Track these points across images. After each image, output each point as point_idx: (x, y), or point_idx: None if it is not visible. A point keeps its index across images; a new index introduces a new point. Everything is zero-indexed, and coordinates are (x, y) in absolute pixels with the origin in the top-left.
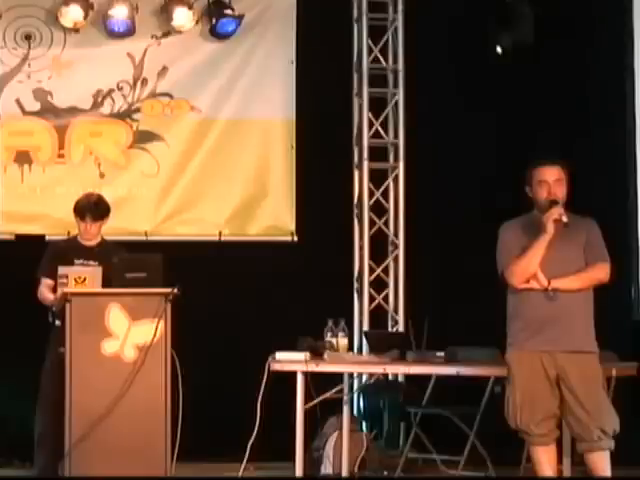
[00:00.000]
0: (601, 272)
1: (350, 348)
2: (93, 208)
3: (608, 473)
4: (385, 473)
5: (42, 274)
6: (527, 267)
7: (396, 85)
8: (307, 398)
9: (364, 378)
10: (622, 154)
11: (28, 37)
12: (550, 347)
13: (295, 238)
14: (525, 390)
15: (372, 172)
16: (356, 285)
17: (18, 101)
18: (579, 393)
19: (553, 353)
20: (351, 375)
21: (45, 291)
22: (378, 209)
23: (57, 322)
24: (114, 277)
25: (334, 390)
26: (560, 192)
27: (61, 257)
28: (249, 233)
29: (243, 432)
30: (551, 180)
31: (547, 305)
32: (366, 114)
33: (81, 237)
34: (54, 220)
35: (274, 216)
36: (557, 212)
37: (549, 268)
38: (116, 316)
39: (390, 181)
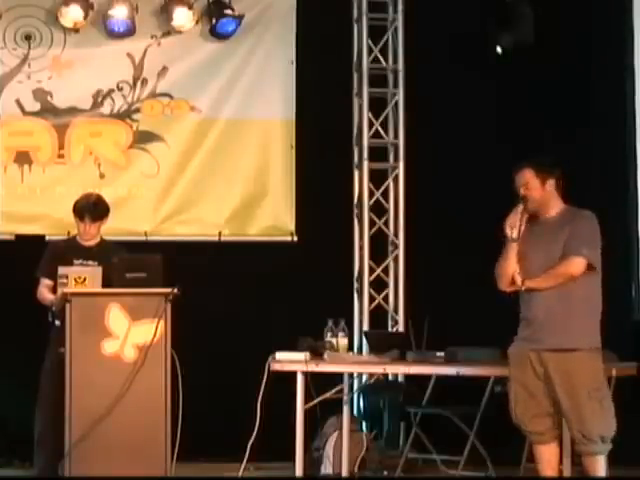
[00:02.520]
0: (571, 266)
1: (350, 348)
2: (92, 208)
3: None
4: (385, 473)
5: (41, 274)
6: (502, 271)
7: (396, 85)
8: (307, 398)
9: (364, 378)
10: (622, 153)
11: (28, 37)
12: (535, 346)
13: (295, 238)
14: (519, 386)
15: (372, 172)
16: (356, 285)
17: (18, 101)
18: (560, 394)
19: (539, 352)
20: (351, 375)
21: (44, 291)
22: (378, 209)
23: (57, 322)
24: (114, 277)
25: (334, 390)
26: (529, 194)
27: (60, 257)
28: (249, 233)
29: (243, 432)
30: (519, 187)
31: (533, 304)
32: (366, 114)
33: (80, 237)
34: (54, 220)
35: (274, 216)
36: (507, 225)
37: (534, 267)
38: (116, 316)
39: (390, 181)
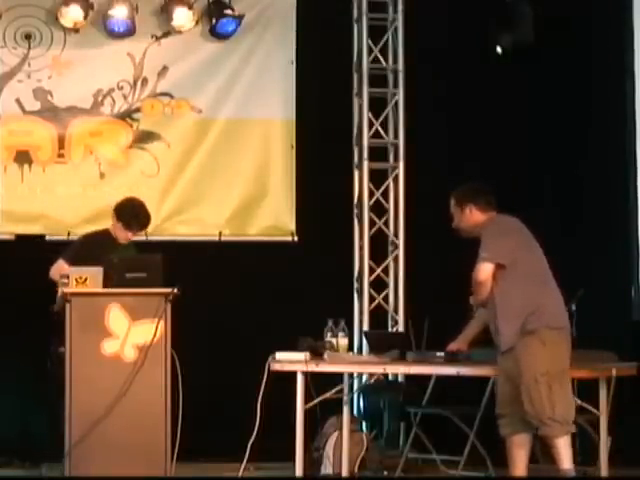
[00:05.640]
0: (476, 274)
1: (350, 348)
2: (143, 224)
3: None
4: (385, 473)
5: (64, 258)
6: None
7: (396, 85)
8: (307, 398)
9: (364, 378)
10: (622, 154)
11: (28, 37)
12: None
13: (295, 238)
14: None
15: (372, 172)
16: (356, 285)
17: (18, 101)
18: (519, 384)
19: (501, 356)
20: (351, 375)
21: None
22: (378, 209)
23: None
24: (114, 277)
25: (334, 390)
26: (455, 223)
27: (91, 250)
28: (249, 233)
29: (243, 432)
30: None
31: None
32: (366, 114)
33: (116, 237)
34: (54, 220)
35: (274, 216)
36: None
37: None
38: (116, 316)
39: (390, 181)
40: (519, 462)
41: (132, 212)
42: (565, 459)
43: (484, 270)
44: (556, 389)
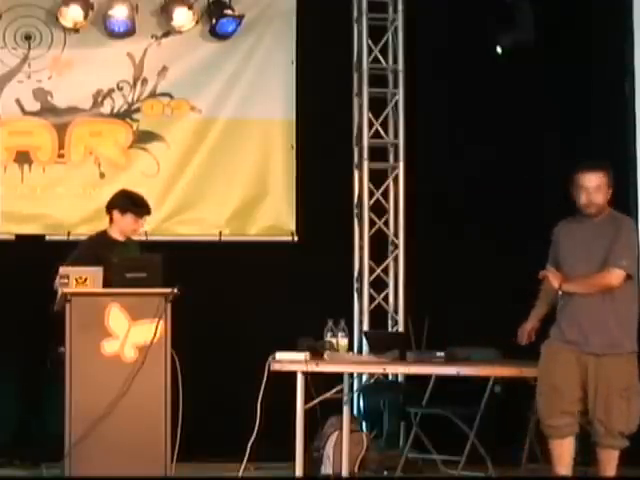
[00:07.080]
0: (611, 278)
1: (350, 348)
2: (147, 204)
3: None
4: (385, 473)
5: (69, 264)
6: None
7: (396, 85)
8: (307, 398)
9: (364, 378)
10: (623, 154)
11: (28, 37)
12: (576, 347)
13: (295, 238)
14: (546, 382)
15: (372, 172)
16: (356, 285)
17: (18, 101)
18: (592, 392)
19: (580, 354)
20: (351, 375)
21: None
22: (378, 209)
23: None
24: (114, 277)
25: (334, 390)
26: (598, 198)
27: (96, 253)
28: (249, 233)
29: (243, 432)
30: (591, 187)
31: (576, 307)
32: (366, 114)
33: (124, 233)
34: (54, 220)
35: (274, 216)
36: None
37: (574, 271)
38: (116, 316)
39: (390, 181)
40: (569, 461)
41: (133, 199)
42: (612, 470)
43: (619, 278)
44: (633, 403)
